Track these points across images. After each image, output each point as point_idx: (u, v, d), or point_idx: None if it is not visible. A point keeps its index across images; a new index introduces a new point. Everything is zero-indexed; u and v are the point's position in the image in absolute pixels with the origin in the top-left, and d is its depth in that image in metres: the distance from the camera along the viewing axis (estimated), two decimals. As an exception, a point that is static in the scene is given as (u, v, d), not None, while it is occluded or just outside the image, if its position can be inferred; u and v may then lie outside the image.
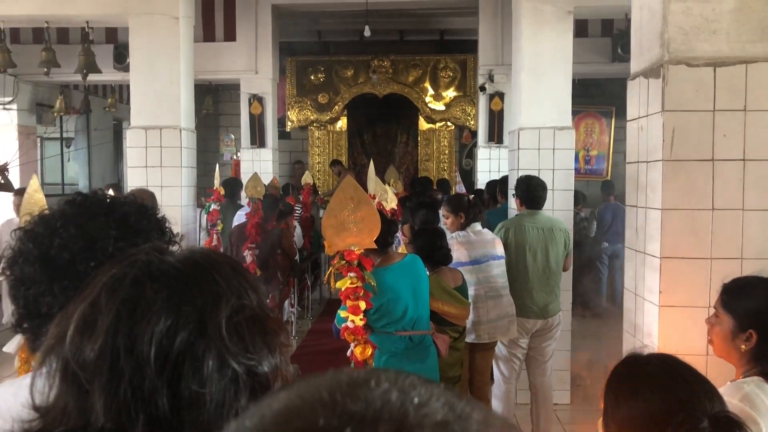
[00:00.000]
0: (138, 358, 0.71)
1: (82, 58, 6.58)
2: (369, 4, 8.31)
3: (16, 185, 8.09)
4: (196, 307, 0.75)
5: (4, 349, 2.91)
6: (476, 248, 4.67)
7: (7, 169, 7.82)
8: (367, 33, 8.01)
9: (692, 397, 1.27)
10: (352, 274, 2.72)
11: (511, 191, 5.76)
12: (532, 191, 4.76)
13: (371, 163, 3.61)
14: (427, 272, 3.71)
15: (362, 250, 2.75)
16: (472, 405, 0.43)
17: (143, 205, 1.18)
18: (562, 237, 4.80)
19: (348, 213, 2.66)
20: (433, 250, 3.93)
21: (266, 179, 8.22)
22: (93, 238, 1.09)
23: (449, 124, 12.14)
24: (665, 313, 2.50)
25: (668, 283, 2.49)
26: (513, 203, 5.17)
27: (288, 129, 11.94)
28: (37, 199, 2.81)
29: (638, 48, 2.80)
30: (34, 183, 2.84)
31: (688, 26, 2.45)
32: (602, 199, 9.51)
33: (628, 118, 2.89)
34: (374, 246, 2.83)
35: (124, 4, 5.86)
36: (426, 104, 11.82)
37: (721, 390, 1.47)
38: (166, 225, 1.21)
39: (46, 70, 6.37)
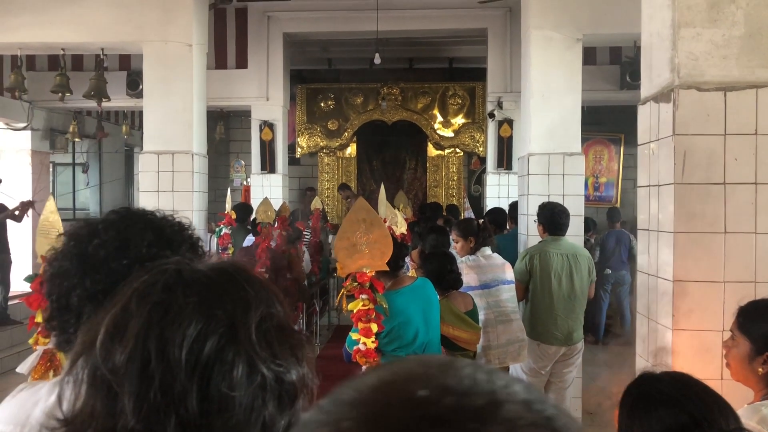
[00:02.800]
0: (168, 361, 0.72)
1: (93, 83, 6.68)
2: (379, 33, 8.42)
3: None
4: (227, 312, 0.76)
5: (17, 369, 2.92)
6: (486, 272, 4.67)
7: (33, 205, 7.90)
8: (377, 61, 8.10)
9: (707, 413, 1.26)
10: (364, 296, 2.72)
11: (523, 216, 5.78)
12: (555, 218, 4.77)
13: (382, 187, 3.62)
14: (438, 296, 3.70)
15: (374, 272, 2.76)
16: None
17: (180, 222, 1.24)
18: (586, 263, 4.79)
19: (360, 235, 2.68)
20: (443, 274, 3.92)
21: (276, 204, 8.26)
22: (128, 240, 1.16)
23: (458, 150, 12.20)
24: (679, 337, 2.49)
25: (681, 306, 2.49)
26: (534, 230, 5.17)
27: (298, 155, 12.02)
28: (53, 220, 2.84)
29: (648, 73, 2.82)
30: (51, 205, 2.87)
31: (698, 51, 2.48)
32: (608, 226, 9.50)
33: (639, 142, 2.90)
34: (386, 268, 2.84)
35: (139, 31, 5.97)
36: (435, 131, 11.90)
37: (738, 412, 1.46)
38: (199, 243, 1.26)
39: (60, 95, 6.46)
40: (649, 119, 2.78)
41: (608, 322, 9.26)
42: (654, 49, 2.74)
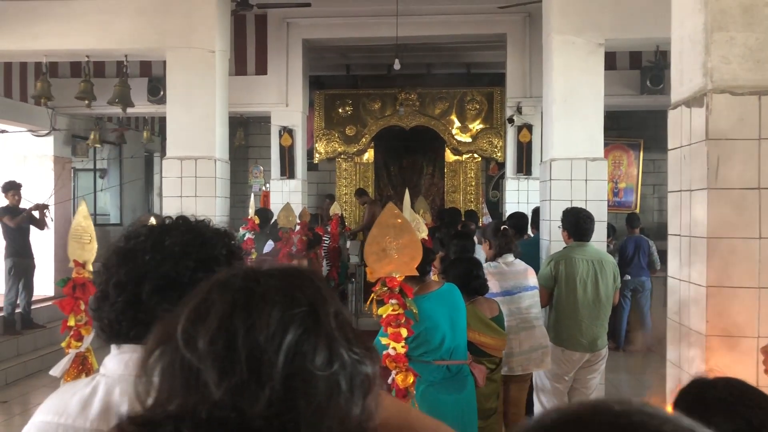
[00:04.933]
0: (255, 339, 0.74)
1: (117, 89, 6.76)
2: (398, 38, 8.44)
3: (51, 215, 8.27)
4: (307, 298, 0.79)
5: (50, 372, 2.95)
6: (508, 279, 4.65)
7: (47, 208, 8.02)
8: (397, 66, 8.12)
9: (765, 419, 1.24)
10: (393, 301, 2.72)
11: (546, 221, 5.76)
12: (580, 223, 4.74)
13: (407, 192, 3.62)
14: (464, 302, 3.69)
15: (403, 277, 2.76)
16: None
17: (217, 228, 1.34)
18: (611, 269, 4.75)
19: (390, 239, 2.68)
20: (469, 280, 3.91)
21: (295, 210, 8.29)
22: (164, 237, 1.28)
23: (476, 156, 12.18)
24: (712, 343, 2.47)
25: (715, 312, 2.47)
26: (557, 235, 5.14)
27: (316, 161, 12.06)
28: (85, 225, 2.87)
29: (679, 78, 2.81)
30: (83, 210, 2.89)
31: (731, 55, 2.46)
32: (627, 232, 9.43)
33: (669, 147, 2.88)
34: (416, 273, 2.84)
35: (162, 38, 6.03)
36: (452, 136, 11.90)
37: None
38: (233, 244, 1.34)
39: (86, 102, 6.54)
40: (680, 124, 2.77)
41: (627, 328, 9.19)
42: (685, 53, 2.73)
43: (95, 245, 2.86)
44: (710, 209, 2.47)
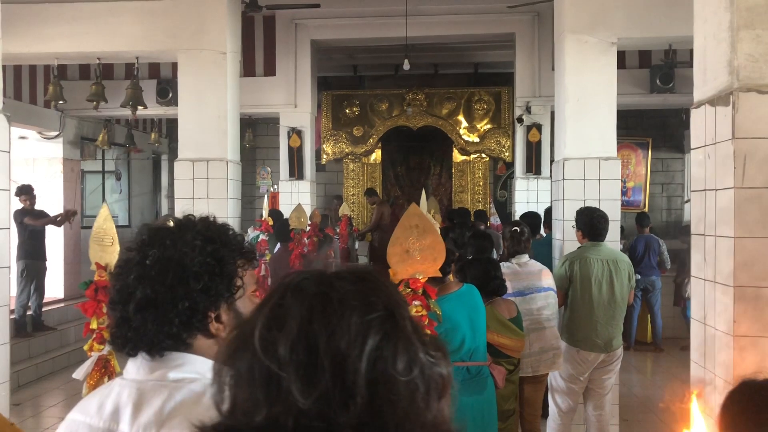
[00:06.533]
0: (337, 347, 0.74)
1: (129, 92, 6.76)
2: (407, 39, 8.44)
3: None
4: (383, 302, 0.79)
5: (74, 375, 2.94)
6: (521, 280, 4.63)
7: (75, 214, 8.07)
8: (406, 66, 8.12)
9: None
10: (417, 303, 2.71)
11: (559, 221, 5.74)
12: (595, 223, 4.72)
13: (423, 193, 3.61)
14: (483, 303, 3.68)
15: (426, 278, 2.75)
16: None
17: (223, 225, 1.39)
18: (626, 269, 4.72)
19: (413, 240, 2.67)
20: (487, 281, 3.90)
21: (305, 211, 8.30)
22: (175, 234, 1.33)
23: (483, 155, 12.16)
24: (740, 343, 2.45)
25: (743, 312, 2.45)
26: (571, 235, 5.12)
27: (323, 162, 12.06)
28: (107, 228, 2.86)
29: (702, 76, 2.79)
30: (104, 212, 2.89)
31: (758, 53, 2.44)
32: (637, 231, 9.41)
33: (692, 146, 2.86)
34: (439, 274, 2.83)
35: (173, 40, 6.02)
36: (460, 136, 11.89)
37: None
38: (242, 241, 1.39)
39: (95, 104, 6.54)
40: (704, 123, 2.75)
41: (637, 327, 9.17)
42: (709, 51, 2.71)
43: (117, 247, 2.86)
44: (737, 209, 2.45)
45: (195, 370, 1.25)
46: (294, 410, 0.72)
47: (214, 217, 1.39)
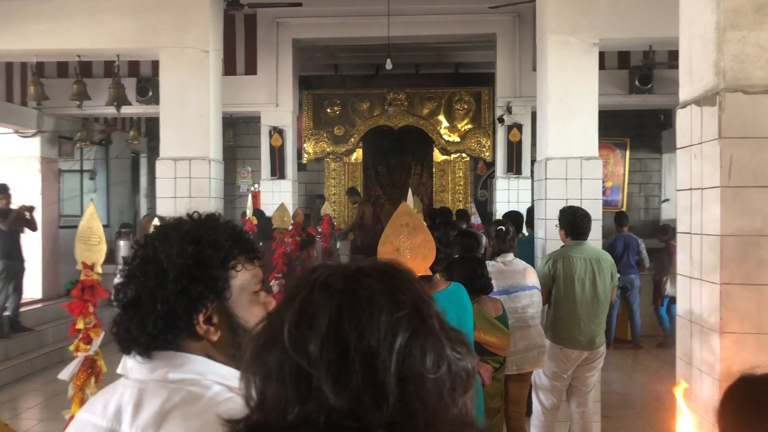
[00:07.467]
0: (367, 345, 0.74)
1: (112, 91, 6.69)
2: (389, 38, 8.44)
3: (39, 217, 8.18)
4: (410, 299, 0.79)
5: (59, 376, 2.91)
6: (506, 278, 4.66)
7: (33, 210, 7.97)
8: (389, 66, 8.13)
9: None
10: (407, 301, 2.72)
11: (541, 220, 5.78)
12: (578, 222, 4.76)
13: (410, 192, 3.62)
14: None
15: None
16: None
17: (223, 223, 1.37)
18: (609, 268, 4.77)
19: (404, 238, 2.67)
20: (474, 279, 3.92)
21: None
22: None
23: (464, 155, 12.22)
24: (727, 340, 2.49)
25: (730, 309, 2.48)
26: (553, 234, 5.16)
27: (304, 161, 12.03)
28: (93, 227, 2.83)
29: (688, 77, 2.83)
30: (90, 211, 2.86)
31: (744, 54, 2.48)
32: (616, 231, 9.51)
33: (678, 145, 2.90)
34: (429, 272, 2.84)
35: (155, 38, 5.97)
36: (441, 136, 11.93)
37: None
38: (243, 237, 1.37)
39: (78, 103, 6.46)
40: (689, 122, 2.79)
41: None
42: (695, 52, 2.75)
43: (104, 246, 2.83)
44: (724, 207, 2.49)
45: (195, 370, 1.24)
46: (326, 408, 0.72)
47: (219, 215, 1.37)
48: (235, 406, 0.94)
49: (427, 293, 0.83)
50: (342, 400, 0.72)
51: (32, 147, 9.46)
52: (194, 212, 1.34)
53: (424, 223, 2.90)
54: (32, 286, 8.84)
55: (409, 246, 2.69)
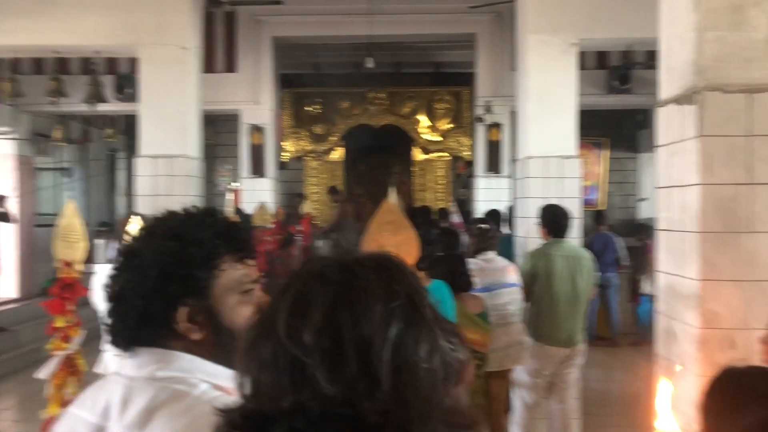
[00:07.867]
0: (361, 335, 0.75)
1: (90, 88, 6.62)
2: (369, 38, 8.45)
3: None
4: (405, 290, 0.80)
5: (37, 375, 2.87)
6: (487, 276, 4.69)
7: (6, 199, 7.84)
8: (370, 65, 8.13)
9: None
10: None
11: (522, 219, 5.83)
12: (558, 220, 4.79)
13: (394, 190, 3.63)
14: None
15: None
16: None
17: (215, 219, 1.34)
18: (588, 265, 4.81)
19: (388, 236, 2.68)
20: (455, 276, 3.94)
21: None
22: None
23: (444, 154, 12.25)
24: (706, 336, 2.53)
25: (708, 305, 2.53)
26: (533, 232, 5.20)
27: (284, 159, 11.98)
28: (73, 224, 2.80)
29: (668, 76, 2.87)
30: (71, 208, 2.83)
31: (722, 54, 2.53)
32: (594, 229, 9.60)
33: (658, 143, 2.94)
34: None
35: (135, 34, 5.92)
36: (421, 135, 11.95)
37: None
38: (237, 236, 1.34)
39: (54, 99, 6.38)
40: (668, 121, 2.83)
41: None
42: (674, 52, 2.79)
43: (84, 244, 2.80)
44: (703, 205, 2.53)
45: (182, 368, 1.22)
46: (320, 396, 0.73)
47: (216, 211, 1.34)
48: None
49: (423, 285, 0.83)
50: (336, 389, 0.73)
51: (6, 145, 9.32)
52: (192, 206, 1.32)
53: (408, 221, 2.91)
54: (7, 286, 8.72)
55: (393, 243, 2.69)
